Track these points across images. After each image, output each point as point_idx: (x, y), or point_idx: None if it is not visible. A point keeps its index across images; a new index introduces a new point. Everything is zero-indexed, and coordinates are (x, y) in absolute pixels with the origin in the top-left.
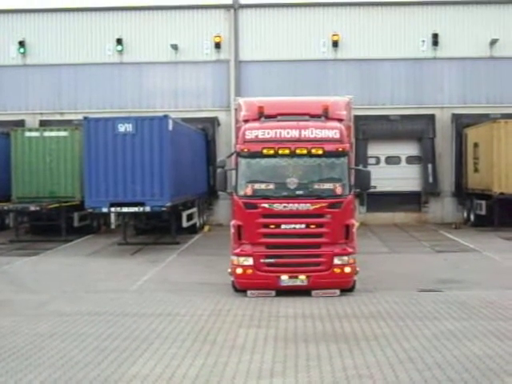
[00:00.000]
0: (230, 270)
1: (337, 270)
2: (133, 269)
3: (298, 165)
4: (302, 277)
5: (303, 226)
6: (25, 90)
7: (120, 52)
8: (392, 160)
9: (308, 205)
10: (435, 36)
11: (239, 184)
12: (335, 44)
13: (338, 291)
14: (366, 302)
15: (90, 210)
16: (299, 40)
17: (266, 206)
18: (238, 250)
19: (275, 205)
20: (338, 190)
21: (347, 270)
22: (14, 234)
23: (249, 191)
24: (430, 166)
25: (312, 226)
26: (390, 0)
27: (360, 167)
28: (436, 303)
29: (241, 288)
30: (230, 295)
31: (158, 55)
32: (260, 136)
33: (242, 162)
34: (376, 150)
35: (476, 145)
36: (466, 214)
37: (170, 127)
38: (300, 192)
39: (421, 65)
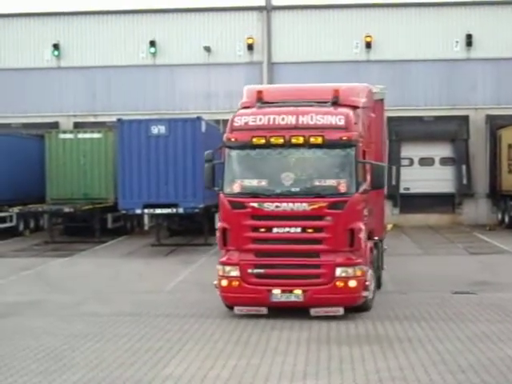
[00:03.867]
0: (215, 282)
1: (339, 284)
2: (166, 270)
3: (294, 157)
4: (298, 291)
5: (299, 229)
6: (59, 93)
7: (153, 54)
8: (425, 161)
9: (305, 205)
10: (469, 37)
11: (226, 180)
12: (368, 45)
13: (341, 309)
14: (400, 304)
15: (123, 212)
16: (332, 41)
17: (255, 205)
18: (223, 258)
19: (266, 204)
20: (342, 188)
21: (352, 283)
22: (49, 236)
23: (236, 188)
24: (463, 167)
25: (309, 230)
26: (424, 1)
27: (372, 161)
28: (470, 305)
29: (227, 303)
30: None
31: (190, 57)
32: (250, 123)
33: (230, 153)
34: (409, 151)
35: (510, 146)
36: (500, 216)
37: (203, 129)
38: (296, 189)
39: (454, 65)
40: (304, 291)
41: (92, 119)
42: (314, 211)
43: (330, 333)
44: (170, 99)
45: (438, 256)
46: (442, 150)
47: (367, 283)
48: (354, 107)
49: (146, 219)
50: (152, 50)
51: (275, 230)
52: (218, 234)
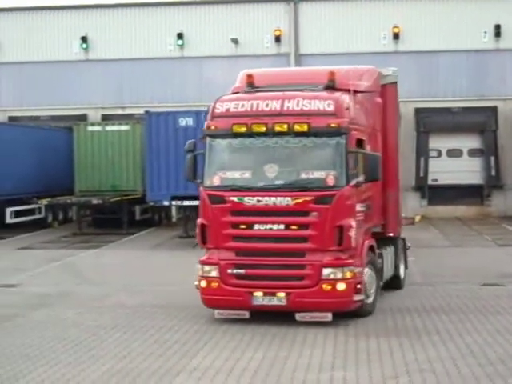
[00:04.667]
0: (196, 283)
1: (326, 287)
2: (194, 262)
3: (278, 146)
4: (281, 294)
5: (282, 226)
6: (87, 85)
7: (181, 46)
8: (453, 153)
9: (288, 199)
10: (497, 27)
11: (206, 172)
12: (396, 36)
13: (329, 315)
14: (428, 296)
15: (151, 204)
16: (359, 33)
17: (235, 199)
18: (204, 257)
19: (246, 198)
20: (330, 180)
21: (341, 286)
22: (77, 227)
23: (216, 181)
24: (492, 158)
25: (293, 227)
26: None
27: (366, 151)
28: (499, 297)
29: (207, 306)
30: None
31: (218, 49)
32: (232, 109)
33: (210, 143)
34: (437, 142)
35: None
36: None
37: None
38: (280, 182)
39: (482, 56)
40: (287, 294)
41: (120, 111)
42: (298, 206)
43: (357, 325)
44: (198, 91)
45: (467, 248)
46: (471, 141)
47: (359, 286)
48: (353, 92)
49: (173, 211)
50: (179, 42)
51: (256, 226)
52: (197, 230)
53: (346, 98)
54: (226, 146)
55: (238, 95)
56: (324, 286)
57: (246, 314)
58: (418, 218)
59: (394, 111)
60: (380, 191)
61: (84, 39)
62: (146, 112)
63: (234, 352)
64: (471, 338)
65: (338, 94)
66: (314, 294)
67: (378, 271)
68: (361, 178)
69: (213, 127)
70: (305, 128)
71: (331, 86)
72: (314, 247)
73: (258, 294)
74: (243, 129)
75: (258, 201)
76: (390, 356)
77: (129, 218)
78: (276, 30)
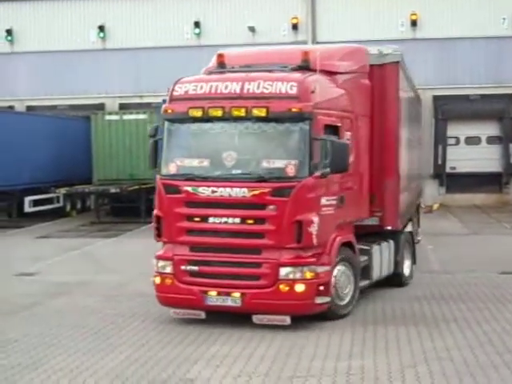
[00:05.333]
0: (152, 279)
1: (283, 288)
2: None
3: (237, 132)
4: (236, 294)
5: (238, 220)
6: (104, 74)
7: (197, 35)
8: (472, 140)
9: (244, 190)
10: None
11: (163, 159)
12: (414, 23)
13: (287, 319)
14: (446, 284)
15: None
16: (377, 20)
17: (190, 189)
18: (160, 252)
19: (201, 189)
20: (290, 170)
21: (299, 288)
22: (95, 216)
23: (172, 169)
24: (510, 145)
25: (249, 222)
26: None
27: (332, 138)
28: None
29: (161, 304)
30: None
31: (235, 37)
32: (190, 92)
33: (168, 127)
34: (455, 130)
35: None
36: None
37: None
38: (237, 172)
39: (501, 43)
40: (243, 295)
41: (137, 100)
42: (254, 198)
43: (375, 313)
44: None
45: (485, 235)
46: (489, 129)
47: (322, 288)
48: (331, 73)
49: None
50: (196, 30)
51: (211, 219)
52: (152, 222)
53: (312, 80)
54: (183, 131)
55: (199, 76)
56: (281, 286)
57: (202, 315)
58: (436, 206)
59: (393, 93)
60: (366, 181)
61: (101, 28)
62: (163, 101)
63: (251, 341)
64: (489, 326)
65: (303, 76)
66: (271, 296)
67: (358, 270)
68: (328, 169)
69: (169, 111)
70: (263, 112)
71: (304, 67)
72: (271, 244)
73: (212, 293)
74: (199, 113)
75: (213, 192)
76: (408, 344)
77: (146, 207)
78: (293, 18)
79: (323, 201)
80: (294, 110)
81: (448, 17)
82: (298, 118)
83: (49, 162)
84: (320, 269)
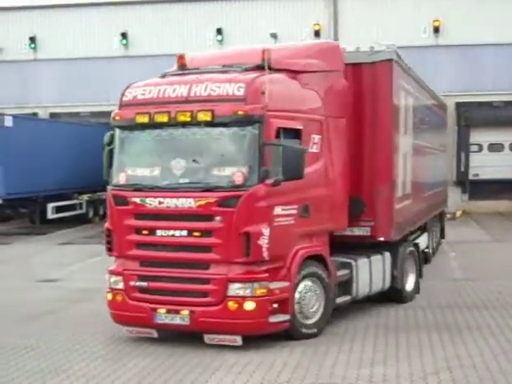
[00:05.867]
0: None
1: (232, 306)
2: None
3: (185, 139)
4: (184, 312)
5: (185, 232)
6: (127, 81)
7: (220, 42)
8: (495, 147)
9: (190, 200)
10: None
11: (114, 168)
12: (436, 30)
13: (238, 339)
14: (468, 292)
15: None
16: (400, 27)
17: (138, 200)
18: (112, 267)
19: (148, 200)
20: (238, 179)
21: (249, 306)
22: None
23: (122, 179)
24: None
25: (196, 234)
26: None
27: (285, 143)
28: None
29: (115, 321)
30: None
31: (258, 44)
32: (139, 97)
33: (118, 135)
34: (478, 136)
35: None
36: None
37: None
38: (185, 181)
39: None
40: (191, 312)
41: None
42: (200, 209)
43: (398, 320)
44: None
45: (508, 243)
46: None
47: (275, 306)
48: (295, 72)
49: None
50: (219, 37)
51: (159, 232)
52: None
53: (262, 80)
54: (132, 138)
55: (151, 80)
56: (230, 304)
57: (154, 333)
58: (459, 213)
59: (386, 94)
60: (344, 188)
61: (124, 35)
62: None
63: (272, 348)
64: None
65: (252, 76)
66: (219, 314)
67: (331, 285)
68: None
69: (118, 117)
70: (208, 117)
71: (264, 66)
72: (219, 258)
73: (162, 310)
74: (146, 119)
75: (160, 203)
76: (431, 351)
77: None
78: (315, 25)
79: (278, 210)
80: (240, 112)
81: (471, 23)
82: (246, 121)
83: (71, 168)
84: (274, 285)
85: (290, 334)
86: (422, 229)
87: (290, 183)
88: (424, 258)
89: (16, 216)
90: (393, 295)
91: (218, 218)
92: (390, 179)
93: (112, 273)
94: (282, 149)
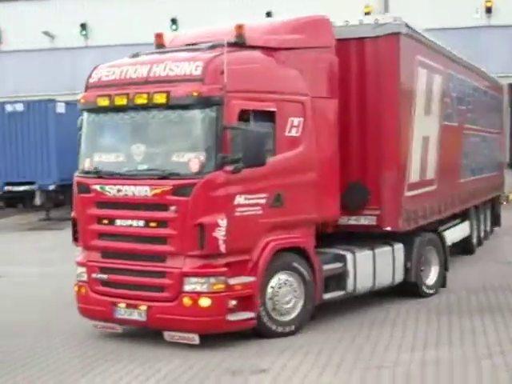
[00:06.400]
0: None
1: (187, 302)
2: None
3: (145, 123)
4: (143, 307)
5: (142, 223)
6: None
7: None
8: None
9: (146, 188)
10: None
11: (80, 154)
12: (488, 10)
13: (196, 337)
14: None
15: None
16: (451, 7)
17: (98, 188)
18: (78, 258)
19: (107, 187)
20: (194, 165)
21: (205, 302)
22: None
23: (86, 165)
24: None
25: (152, 225)
26: None
27: (244, 126)
28: None
29: (81, 315)
30: None
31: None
32: (104, 78)
33: (85, 119)
34: None
35: None
36: None
37: None
38: (143, 167)
39: None
40: (149, 308)
41: None
42: (155, 198)
43: (449, 303)
44: None
45: None
46: None
47: (234, 303)
48: (270, 49)
49: None
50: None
51: (118, 222)
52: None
53: (221, 59)
54: (95, 122)
55: (117, 61)
56: (185, 300)
57: (118, 328)
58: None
59: (391, 72)
60: (334, 175)
61: (174, 21)
62: None
63: (324, 332)
64: None
65: (212, 54)
66: (175, 310)
67: (312, 280)
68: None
69: (82, 100)
70: (164, 99)
71: (240, 43)
72: (174, 250)
73: (121, 305)
74: (106, 102)
75: (119, 190)
76: (484, 335)
77: None
78: (366, 7)
79: (239, 200)
80: (195, 94)
81: None
82: (204, 103)
83: None
84: (235, 280)
85: (258, 332)
86: (462, 216)
87: (256, 170)
88: (468, 249)
89: (68, 201)
90: (408, 290)
91: (172, 208)
92: (396, 164)
93: (78, 264)
94: (243, 133)
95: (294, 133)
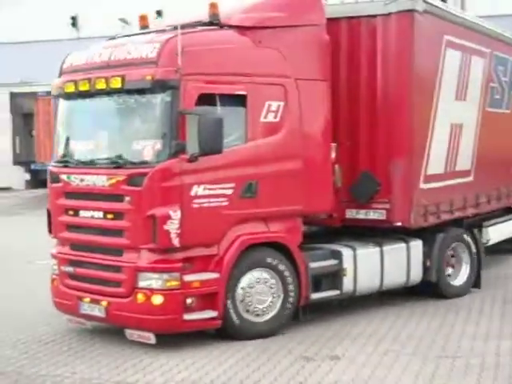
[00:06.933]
0: None
1: (141, 299)
2: None
3: (106, 109)
4: (104, 303)
5: (101, 214)
6: None
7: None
8: None
9: (104, 178)
10: None
11: (54, 142)
12: None
13: (152, 336)
14: None
15: None
16: None
17: (65, 178)
18: (54, 249)
19: (72, 177)
20: (147, 154)
21: (157, 300)
22: None
23: (58, 154)
24: None
25: (109, 216)
26: None
27: (201, 111)
28: None
29: (56, 309)
30: None
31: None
32: (74, 64)
33: (58, 106)
34: None
35: None
36: None
37: None
38: (102, 156)
39: None
40: (109, 304)
41: None
42: (111, 188)
43: None
44: None
45: None
46: None
47: (189, 301)
48: (245, 28)
49: None
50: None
51: (82, 213)
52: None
53: (177, 40)
54: (66, 109)
55: (95, 45)
56: (139, 296)
57: (87, 324)
58: None
59: (405, 53)
60: (325, 164)
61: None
62: None
63: (397, 320)
64: None
65: (169, 35)
66: (130, 307)
67: (291, 279)
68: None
69: (54, 86)
70: (119, 83)
71: (215, 23)
72: (130, 244)
73: (86, 299)
74: (72, 88)
75: (82, 180)
76: None
77: None
78: None
79: (198, 190)
80: (148, 78)
81: None
82: (159, 87)
83: None
84: (192, 276)
85: (225, 333)
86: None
87: (220, 158)
88: None
89: None
90: (428, 290)
91: (127, 199)
92: (408, 153)
93: (51, 256)
94: (199, 119)
95: (271, 118)
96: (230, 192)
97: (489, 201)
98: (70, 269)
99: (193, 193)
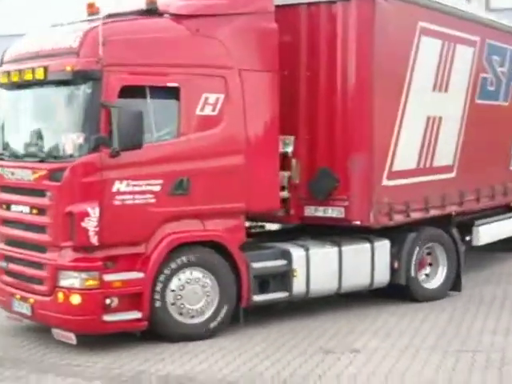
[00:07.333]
0: None
1: (60, 298)
2: None
3: (37, 100)
4: (31, 300)
5: (28, 209)
6: None
7: None
8: None
9: (29, 172)
10: None
11: None
12: None
13: (73, 336)
14: None
15: None
16: None
17: (1, 171)
18: None
19: (6, 170)
20: (68, 148)
21: (75, 299)
22: None
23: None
24: None
25: (34, 212)
26: None
27: (120, 104)
28: None
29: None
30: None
31: None
32: (13, 54)
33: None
34: None
35: None
36: None
37: None
38: (30, 150)
39: None
40: (34, 302)
41: None
42: (34, 183)
43: None
44: None
45: None
46: None
47: (108, 302)
48: (182, 16)
49: None
50: None
51: (12, 207)
52: None
53: (98, 30)
54: (4, 100)
55: (32, 34)
56: (59, 295)
57: (23, 321)
58: None
59: (364, 40)
60: (269, 159)
61: None
62: None
63: (417, 314)
64: None
65: (92, 25)
66: (51, 306)
67: (228, 279)
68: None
69: None
70: (42, 74)
71: (153, 11)
72: (51, 241)
73: (18, 296)
74: (6, 79)
75: (12, 174)
76: None
77: None
78: None
79: (120, 186)
80: (68, 68)
81: None
82: (80, 78)
83: None
84: (113, 276)
85: (157, 334)
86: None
87: (145, 153)
88: None
89: None
90: (398, 293)
91: (48, 194)
92: (367, 147)
93: None
94: (119, 113)
95: (209, 111)
96: (157, 188)
97: (478, 198)
98: (4, 264)
99: (115, 189)
